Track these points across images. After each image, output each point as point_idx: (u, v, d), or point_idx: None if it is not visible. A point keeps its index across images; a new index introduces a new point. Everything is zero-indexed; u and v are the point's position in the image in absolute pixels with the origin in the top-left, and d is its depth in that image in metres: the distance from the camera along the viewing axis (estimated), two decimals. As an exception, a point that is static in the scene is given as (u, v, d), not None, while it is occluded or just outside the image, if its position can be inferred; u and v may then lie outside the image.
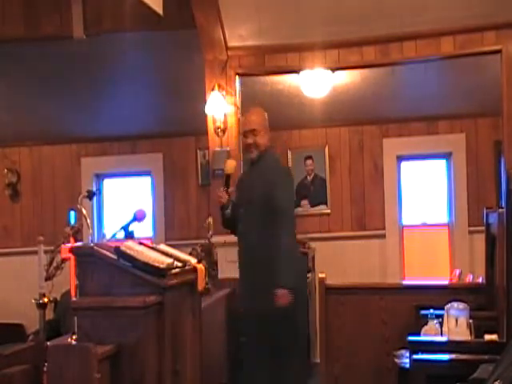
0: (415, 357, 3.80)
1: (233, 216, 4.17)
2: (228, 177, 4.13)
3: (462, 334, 4.05)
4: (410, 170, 7.36)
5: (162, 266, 3.06)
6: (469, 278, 5.95)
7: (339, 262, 7.00)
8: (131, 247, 3.09)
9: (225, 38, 5.28)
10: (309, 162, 7.24)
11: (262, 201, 3.96)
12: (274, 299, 3.82)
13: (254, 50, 5.37)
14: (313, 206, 7.22)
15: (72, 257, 3.14)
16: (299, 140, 7.33)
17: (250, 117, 4.23)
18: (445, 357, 3.79)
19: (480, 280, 5.23)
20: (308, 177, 7.25)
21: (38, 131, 7.42)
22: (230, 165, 4.20)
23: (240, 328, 4.31)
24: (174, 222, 7.48)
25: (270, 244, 3.88)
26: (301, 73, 5.58)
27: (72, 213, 3.69)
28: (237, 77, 5.39)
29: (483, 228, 4.76)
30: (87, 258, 3.03)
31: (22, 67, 6.16)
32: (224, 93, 5.27)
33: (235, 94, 5.34)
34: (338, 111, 6.84)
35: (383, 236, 7.13)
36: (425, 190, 7.33)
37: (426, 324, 4.24)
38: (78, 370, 2.61)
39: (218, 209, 4.24)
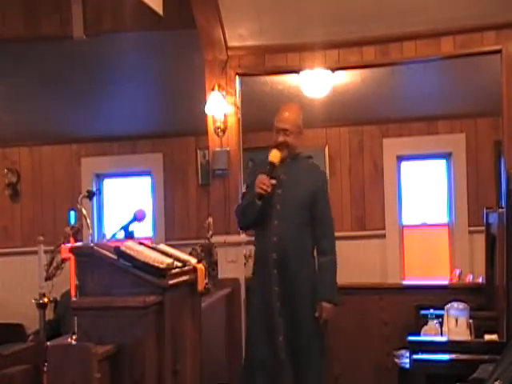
0: (415, 357, 3.81)
1: (260, 209, 3.94)
2: (273, 166, 3.91)
3: (462, 334, 4.05)
4: (410, 170, 7.36)
5: (161, 266, 3.06)
6: (469, 278, 5.96)
7: (339, 261, 6.97)
8: (131, 247, 3.09)
9: (225, 38, 5.28)
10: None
11: (308, 203, 3.95)
12: (313, 307, 3.93)
13: (254, 49, 5.37)
14: (313, 205, 7.21)
15: (72, 257, 3.14)
16: (299, 140, 7.31)
17: (284, 113, 4.08)
18: (445, 357, 3.79)
19: (480, 280, 5.24)
20: (308, 177, 7.23)
21: (38, 131, 7.42)
22: (276, 155, 3.94)
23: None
24: (174, 222, 7.48)
25: (313, 242, 4.02)
26: (301, 73, 5.58)
27: (72, 213, 3.70)
28: (237, 77, 5.39)
29: (483, 228, 4.77)
30: (87, 258, 3.03)
31: (22, 67, 6.16)
32: (224, 93, 5.28)
33: (235, 94, 5.34)
34: (338, 111, 6.84)
35: (383, 236, 7.13)
36: (425, 190, 7.32)
37: (425, 324, 4.25)
38: (78, 370, 2.61)
39: (252, 197, 3.92)
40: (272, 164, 3.91)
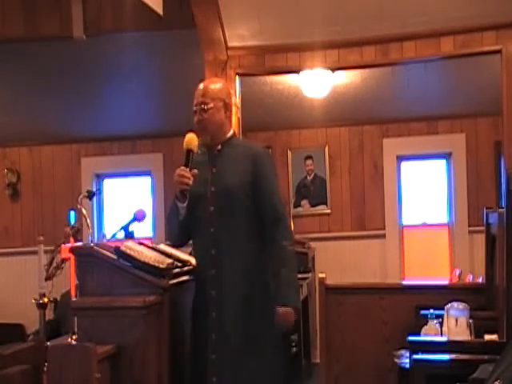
0: (415, 357, 3.80)
1: (186, 218, 3.08)
2: (189, 153, 3.05)
3: (462, 334, 4.05)
4: (410, 170, 7.36)
5: (161, 266, 3.07)
6: (469, 278, 5.95)
7: (339, 262, 7.00)
8: (131, 247, 3.09)
9: (225, 38, 5.28)
10: (309, 161, 7.24)
11: (249, 194, 3.05)
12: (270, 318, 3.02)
13: (254, 50, 5.36)
14: (313, 206, 7.22)
15: (72, 257, 3.15)
16: (299, 140, 7.33)
17: (201, 85, 3.17)
18: (445, 357, 3.79)
19: (480, 280, 5.23)
20: (308, 177, 7.25)
21: (38, 131, 7.42)
22: (191, 139, 3.09)
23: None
24: (174, 222, 7.48)
25: (265, 254, 3.08)
26: (301, 73, 5.57)
27: (72, 213, 3.70)
28: (237, 77, 5.38)
29: (483, 228, 4.76)
30: (87, 258, 3.03)
31: (22, 67, 6.15)
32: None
33: (235, 94, 5.33)
34: (338, 111, 6.85)
35: (383, 236, 7.14)
36: (425, 190, 7.33)
37: (426, 324, 4.24)
38: (78, 370, 2.61)
39: (173, 200, 3.07)
40: (189, 151, 3.04)
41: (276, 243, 3.03)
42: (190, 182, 2.97)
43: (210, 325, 3.02)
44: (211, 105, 3.08)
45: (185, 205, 3.03)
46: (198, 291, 3.13)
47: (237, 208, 3.05)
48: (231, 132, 3.20)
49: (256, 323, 3.03)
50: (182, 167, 3.00)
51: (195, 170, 3.00)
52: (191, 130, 3.15)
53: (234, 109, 5.18)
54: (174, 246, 3.39)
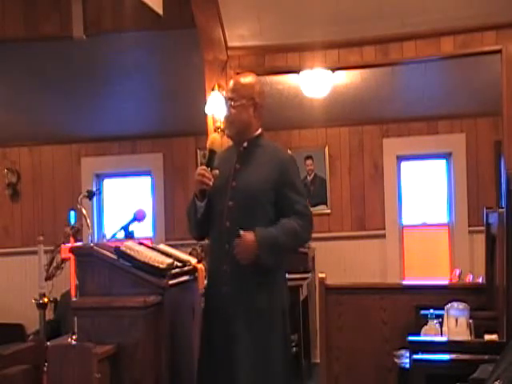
0: (415, 357, 3.80)
1: (205, 213, 3.05)
2: (211, 154, 3.06)
3: (462, 334, 4.05)
4: (410, 170, 7.36)
5: (161, 266, 3.07)
6: (469, 278, 5.95)
7: (339, 261, 7.00)
8: (131, 247, 3.10)
9: (225, 38, 5.28)
10: (309, 161, 7.24)
11: (271, 196, 3.02)
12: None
13: (254, 50, 5.37)
14: (313, 206, 7.21)
15: (72, 257, 3.15)
16: (299, 140, 7.33)
17: (231, 81, 3.23)
18: (445, 357, 3.78)
19: (480, 280, 5.23)
20: (308, 177, 7.25)
21: (37, 131, 7.42)
22: (215, 140, 3.16)
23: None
24: (173, 222, 7.48)
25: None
26: (301, 73, 5.57)
27: (72, 213, 3.71)
28: (237, 77, 5.39)
29: (483, 228, 4.76)
30: (87, 258, 3.04)
31: (22, 67, 6.16)
32: (224, 93, 5.27)
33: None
34: (338, 111, 6.84)
35: (383, 236, 7.13)
36: (425, 190, 7.33)
37: (426, 324, 4.24)
38: (78, 370, 2.61)
39: (192, 197, 3.05)
40: (211, 151, 3.05)
41: (292, 221, 3.09)
42: (211, 183, 2.96)
43: (229, 324, 2.95)
44: (238, 103, 3.05)
45: (203, 204, 3.02)
46: (210, 286, 3.09)
47: (256, 208, 3.01)
48: (259, 131, 3.15)
49: (266, 324, 2.96)
50: (203, 167, 3.00)
51: (216, 171, 2.99)
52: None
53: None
54: (195, 238, 3.33)
